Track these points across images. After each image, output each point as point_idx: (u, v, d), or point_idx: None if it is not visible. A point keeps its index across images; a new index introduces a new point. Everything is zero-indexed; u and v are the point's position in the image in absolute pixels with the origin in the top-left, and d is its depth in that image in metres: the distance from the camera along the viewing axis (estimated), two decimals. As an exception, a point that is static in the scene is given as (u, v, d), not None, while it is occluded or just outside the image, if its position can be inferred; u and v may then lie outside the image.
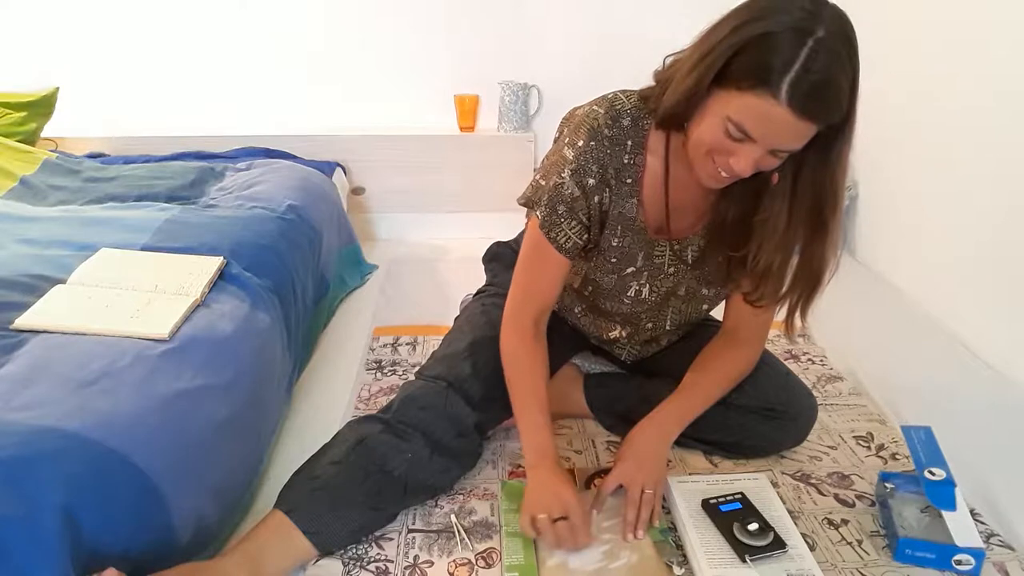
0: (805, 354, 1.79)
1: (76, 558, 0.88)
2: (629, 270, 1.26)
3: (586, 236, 1.22)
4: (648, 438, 1.25)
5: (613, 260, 1.25)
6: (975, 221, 1.82)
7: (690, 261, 1.26)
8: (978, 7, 1.80)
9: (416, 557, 1.16)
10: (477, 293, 1.56)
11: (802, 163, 1.06)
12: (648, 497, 1.18)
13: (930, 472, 1.17)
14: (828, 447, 1.44)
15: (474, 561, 1.15)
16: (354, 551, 1.16)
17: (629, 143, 1.16)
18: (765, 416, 1.34)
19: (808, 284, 1.16)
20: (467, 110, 2.52)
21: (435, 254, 2.43)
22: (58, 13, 2.43)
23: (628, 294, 1.29)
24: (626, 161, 1.17)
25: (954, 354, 1.81)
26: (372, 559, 1.15)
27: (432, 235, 2.55)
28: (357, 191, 2.54)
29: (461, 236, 2.50)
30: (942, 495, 1.15)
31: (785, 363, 1.42)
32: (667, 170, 1.17)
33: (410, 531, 1.21)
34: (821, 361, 1.76)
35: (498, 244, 1.58)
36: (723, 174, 1.06)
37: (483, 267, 1.60)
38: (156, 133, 2.46)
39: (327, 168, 2.30)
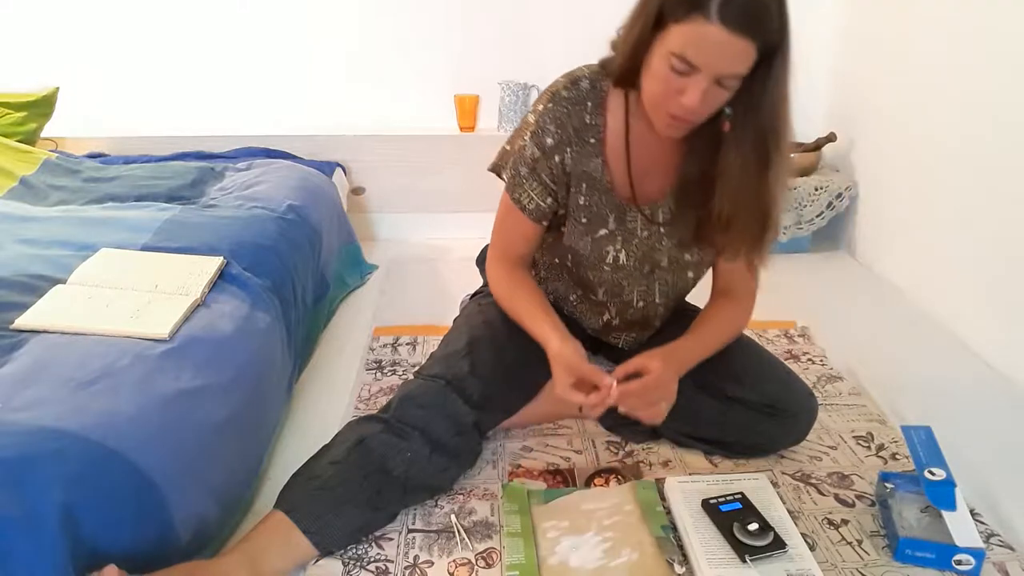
0: (805, 354, 1.79)
1: (76, 558, 0.88)
2: (601, 232, 1.28)
3: (550, 199, 1.26)
4: (681, 362, 1.25)
5: (584, 221, 1.28)
6: (975, 221, 1.82)
7: (661, 220, 1.28)
8: (978, 7, 1.80)
9: (416, 557, 1.16)
10: (474, 294, 1.56)
11: (747, 104, 1.10)
12: (660, 410, 1.20)
13: (930, 472, 1.17)
14: (828, 447, 1.43)
15: (474, 561, 1.15)
16: (354, 551, 1.16)
17: (589, 104, 1.22)
18: (765, 414, 1.34)
19: (758, 220, 1.18)
20: (467, 110, 2.52)
21: (435, 254, 2.43)
22: (58, 13, 2.43)
23: (607, 261, 1.30)
24: (587, 121, 1.22)
25: (954, 354, 1.81)
26: (372, 559, 1.15)
27: (432, 235, 2.55)
28: (357, 191, 2.54)
29: (461, 236, 2.49)
30: (942, 495, 1.15)
31: (785, 363, 1.42)
32: (628, 129, 1.22)
33: (410, 531, 1.21)
34: (821, 361, 1.76)
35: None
36: (678, 117, 1.10)
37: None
38: (156, 133, 2.46)
39: (327, 168, 2.30)
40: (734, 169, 1.14)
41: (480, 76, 2.51)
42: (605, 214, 1.27)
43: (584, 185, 1.25)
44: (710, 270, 1.39)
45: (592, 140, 1.23)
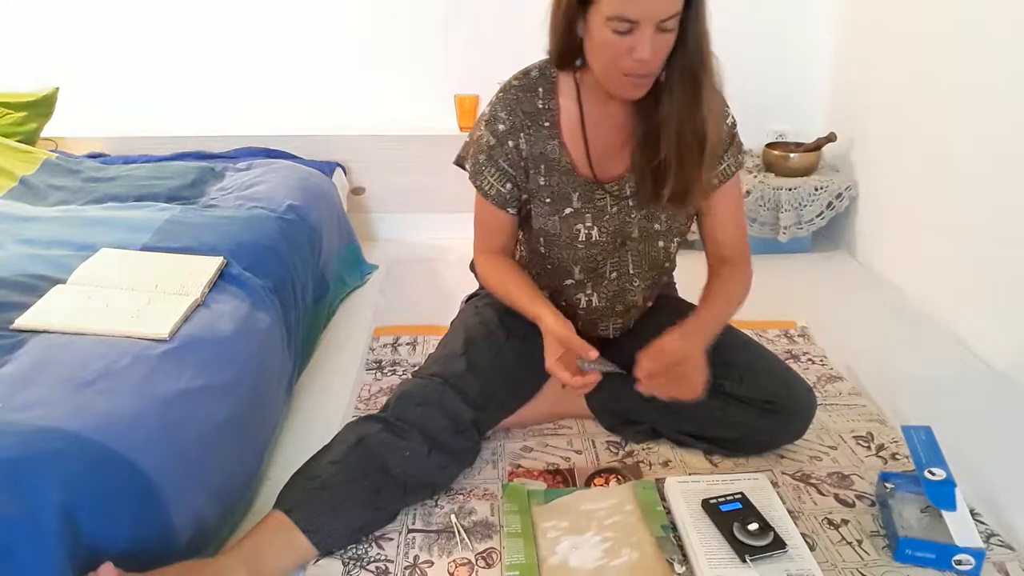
0: (805, 354, 1.79)
1: (75, 558, 0.88)
2: (567, 211, 1.31)
3: (509, 184, 1.31)
4: (705, 335, 1.24)
5: (548, 201, 1.31)
6: (975, 221, 1.82)
7: (629, 194, 1.30)
8: (978, 6, 1.80)
9: (416, 557, 1.16)
10: (469, 297, 1.56)
11: (676, 45, 1.13)
12: (696, 384, 1.17)
13: (930, 472, 1.17)
14: (828, 447, 1.43)
15: (474, 561, 1.15)
16: (354, 551, 1.16)
17: (540, 90, 1.28)
18: (765, 410, 1.34)
19: (698, 150, 1.20)
20: (467, 110, 2.52)
21: (435, 254, 2.43)
22: (58, 13, 2.43)
23: (579, 239, 1.33)
24: (540, 106, 1.28)
25: (954, 354, 1.81)
26: (372, 559, 1.15)
27: (432, 235, 2.55)
28: (357, 191, 2.54)
29: (461, 236, 2.48)
30: (942, 495, 1.15)
31: (785, 362, 1.42)
32: (581, 110, 1.26)
33: (410, 531, 1.21)
34: (821, 361, 1.76)
35: None
36: (633, 74, 1.13)
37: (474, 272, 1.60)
38: (156, 133, 2.46)
39: (327, 168, 2.30)
40: (671, 109, 1.18)
41: (480, 76, 2.50)
42: (568, 193, 1.30)
43: (543, 167, 1.29)
44: (680, 244, 1.41)
45: (547, 123, 1.28)
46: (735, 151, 1.32)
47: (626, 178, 1.30)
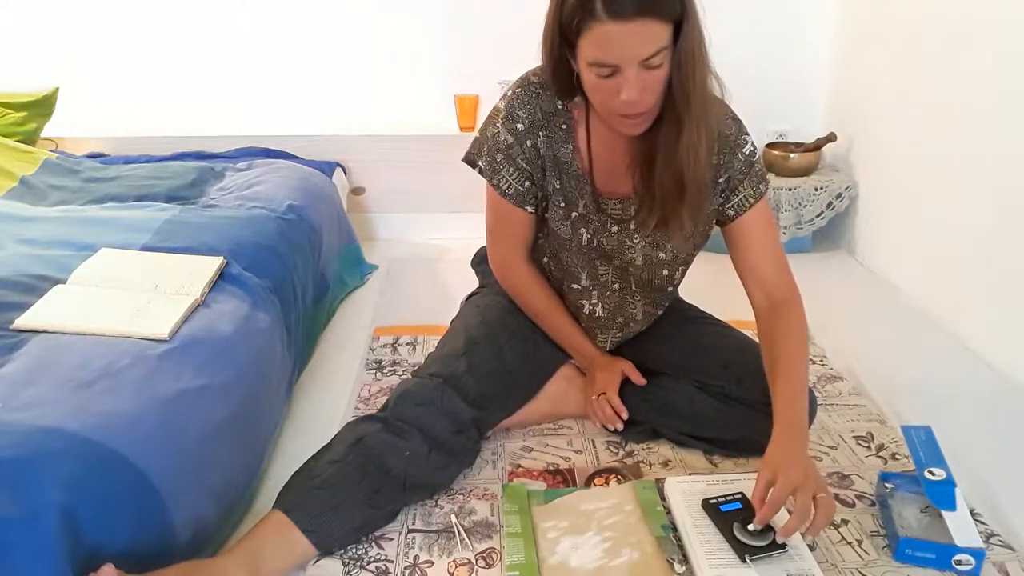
0: (805, 354, 1.79)
1: (75, 558, 0.88)
2: (574, 214, 1.31)
3: (528, 183, 1.29)
4: (794, 445, 1.13)
5: (562, 205, 1.30)
6: (975, 221, 1.82)
7: (632, 215, 1.29)
8: (978, 5, 1.80)
9: (416, 557, 1.16)
10: (469, 297, 1.56)
11: (668, 84, 1.11)
12: (824, 500, 1.07)
13: (930, 472, 1.17)
14: (828, 447, 1.43)
15: (474, 561, 1.15)
16: (354, 551, 1.16)
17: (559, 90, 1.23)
18: (766, 411, 1.33)
19: (673, 183, 1.19)
20: (467, 110, 2.52)
21: (435, 254, 2.43)
22: (58, 13, 2.43)
23: (583, 242, 1.33)
24: (559, 107, 1.25)
25: (954, 354, 1.81)
26: (372, 559, 1.15)
27: (432, 235, 2.55)
28: (357, 191, 2.54)
29: (461, 236, 2.49)
30: (942, 495, 1.15)
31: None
32: (589, 131, 1.26)
33: (410, 531, 1.21)
34: (821, 361, 1.76)
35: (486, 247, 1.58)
36: (629, 115, 1.12)
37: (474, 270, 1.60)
38: (156, 133, 2.46)
39: (327, 168, 2.30)
40: (659, 141, 1.17)
41: (480, 76, 2.51)
42: (576, 198, 1.29)
43: (557, 170, 1.28)
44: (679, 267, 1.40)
45: (563, 126, 1.26)
46: (753, 181, 1.27)
47: (631, 199, 1.29)
